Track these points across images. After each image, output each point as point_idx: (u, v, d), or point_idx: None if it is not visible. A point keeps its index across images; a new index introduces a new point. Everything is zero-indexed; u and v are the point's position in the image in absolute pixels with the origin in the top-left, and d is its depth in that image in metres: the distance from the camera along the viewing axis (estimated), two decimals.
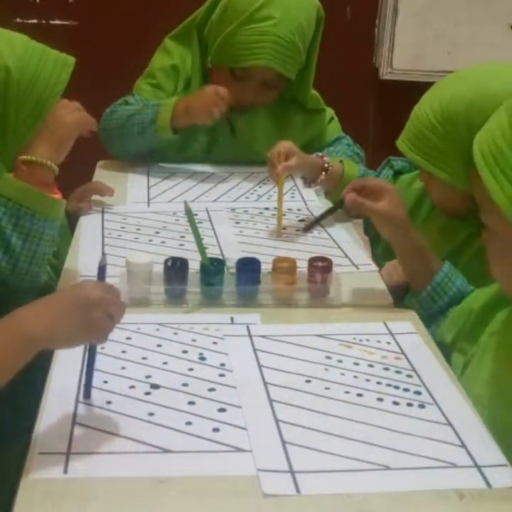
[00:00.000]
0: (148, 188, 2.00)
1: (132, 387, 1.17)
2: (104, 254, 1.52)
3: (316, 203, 1.92)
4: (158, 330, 1.33)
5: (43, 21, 3.22)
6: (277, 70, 1.98)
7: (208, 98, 1.93)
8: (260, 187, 2.03)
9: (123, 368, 1.22)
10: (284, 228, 1.75)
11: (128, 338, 1.29)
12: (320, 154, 1.86)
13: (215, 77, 2.08)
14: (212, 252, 1.60)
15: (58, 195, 1.48)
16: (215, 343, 1.30)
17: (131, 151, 2.09)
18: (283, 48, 1.95)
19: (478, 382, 1.22)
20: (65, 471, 0.98)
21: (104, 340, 1.07)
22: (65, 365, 1.20)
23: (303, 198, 1.95)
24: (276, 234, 1.73)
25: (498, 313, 1.27)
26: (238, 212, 1.86)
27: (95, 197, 1.87)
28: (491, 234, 1.14)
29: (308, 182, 1.89)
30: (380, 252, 1.77)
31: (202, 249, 1.44)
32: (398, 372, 1.24)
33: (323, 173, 1.83)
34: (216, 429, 1.08)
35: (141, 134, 2.01)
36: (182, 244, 1.66)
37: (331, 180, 1.84)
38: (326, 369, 1.24)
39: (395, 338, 1.33)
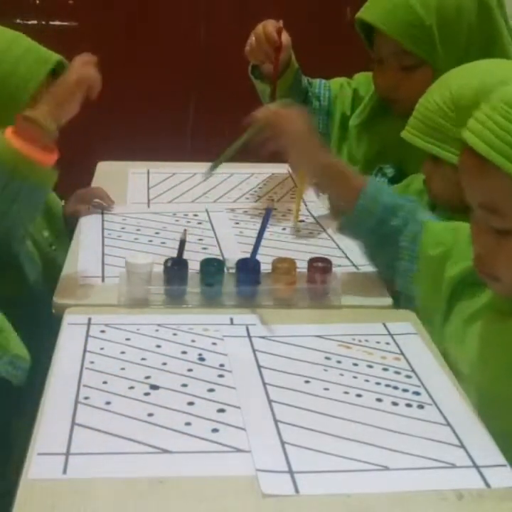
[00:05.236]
0: (148, 188, 2.00)
1: (131, 387, 1.17)
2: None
3: (317, 203, 1.92)
4: (157, 331, 1.33)
5: (43, 22, 3.22)
6: (381, 28, 1.72)
7: None
8: (260, 188, 2.03)
9: (122, 368, 1.22)
10: (301, 221, 1.81)
11: (127, 339, 1.29)
12: None
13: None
14: (212, 252, 1.60)
15: (52, 158, 1.43)
16: (214, 343, 1.30)
17: None
18: (394, 8, 1.70)
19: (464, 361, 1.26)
20: (65, 472, 0.98)
21: None
22: (65, 366, 1.20)
23: (303, 198, 1.95)
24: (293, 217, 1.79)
25: (470, 299, 1.28)
26: (238, 212, 1.86)
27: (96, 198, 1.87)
28: (509, 237, 1.12)
29: None
30: None
31: None
32: (397, 372, 1.24)
33: None
34: (215, 430, 1.08)
35: None
36: None
37: None
38: (325, 370, 1.24)
39: (394, 339, 1.33)
